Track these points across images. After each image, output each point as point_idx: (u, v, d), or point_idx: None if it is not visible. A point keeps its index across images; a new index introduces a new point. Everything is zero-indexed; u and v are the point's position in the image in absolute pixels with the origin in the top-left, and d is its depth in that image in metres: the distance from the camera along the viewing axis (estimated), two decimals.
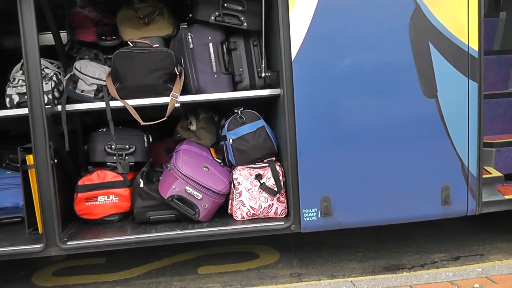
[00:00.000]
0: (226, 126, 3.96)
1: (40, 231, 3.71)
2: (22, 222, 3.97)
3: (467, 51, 3.69)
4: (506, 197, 4.00)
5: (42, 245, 3.64)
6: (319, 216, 3.74)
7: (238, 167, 3.90)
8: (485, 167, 4.04)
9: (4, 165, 4.35)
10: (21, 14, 3.48)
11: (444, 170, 3.82)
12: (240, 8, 3.88)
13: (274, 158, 3.97)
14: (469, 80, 3.72)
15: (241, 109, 3.94)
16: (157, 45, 3.98)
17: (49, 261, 4.46)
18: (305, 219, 3.74)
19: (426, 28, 3.65)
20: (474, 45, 3.68)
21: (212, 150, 4.18)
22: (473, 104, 3.76)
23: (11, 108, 3.83)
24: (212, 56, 3.91)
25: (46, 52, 4.07)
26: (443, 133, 3.75)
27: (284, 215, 3.90)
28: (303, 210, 3.73)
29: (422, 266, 3.98)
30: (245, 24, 3.87)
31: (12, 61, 4.06)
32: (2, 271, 4.27)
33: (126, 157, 4.07)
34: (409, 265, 4.00)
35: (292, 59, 3.59)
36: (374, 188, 3.79)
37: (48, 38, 4.50)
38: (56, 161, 3.70)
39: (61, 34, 4.38)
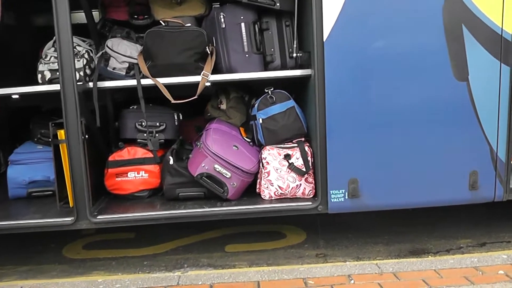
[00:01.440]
0: (256, 105, 3.98)
1: (70, 204, 3.78)
2: (53, 196, 4.06)
3: (500, 34, 3.64)
4: None
5: (72, 218, 3.71)
6: (346, 197, 3.75)
7: (267, 147, 3.92)
8: None
9: (35, 139, 4.43)
10: None
11: (473, 155, 3.79)
12: None
13: (303, 139, 3.97)
14: (502, 64, 3.68)
15: (272, 89, 3.95)
16: (189, 24, 4.00)
17: (79, 235, 4.56)
18: (332, 200, 3.75)
19: (460, 10, 3.60)
20: (508, 28, 3.63)
21: (241, 129, 4.21)
22: (505, 89, 3.72)
23: (42, 84, 3.90)
24: (244, 36, 3.91)
25: (78, 30, 4.10)
26: (473, 118, 3.72)
27: (311, 196, 3.91)
28: (331, 191, 3.74)
29: (447, 251, 3.98)
30: (277, 4, 3.85)
31: (44, 38, 4.12)
32: (34, 242, 4.39)
33: (157, 135, 4.11)
34: (434, 249, 4.01)
35: (324, 40, 3.58)
36: (402, 171, 3.78)
37: (80, 17, 4.55)
38: (87, 136, 3.75)
39: (93, 12, 4.39)
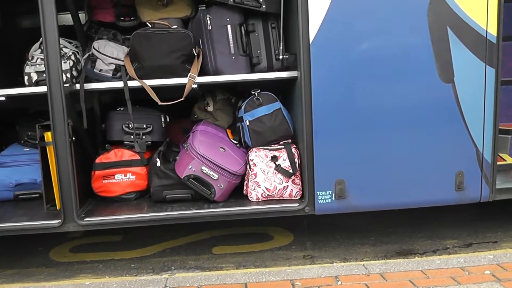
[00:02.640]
0: (243, 107, 3.98)
1: (58, 207, 3.77)
2: (40, 198, 4.06)
3: (485, 36, 3.66)
4: None
5: (60, 220, 3.69)
6: (333, 198, 3.75)
7: (254, 149, 3.93)
8: (500, 154, 4.05)
9: (22, 142, 4.41)
10: None
11: (459, 155, 3.81)
12: None
13: (290, 140, 3.99)
14: (487, 66, 3.70)
15: (258, 91, 3.96)
16: (175, 26, 3.99)
17: (66, 238, 4.55)
18: (319, 202, 3.76)
19: (444, 12, 3.63)
20: (492, 30, 3.66)
21: (228, 131, 4.21)
22: (490, 90, 3.74)
23: (29, 86, 3.87)
24: (230, 37, 3.91)
25: (64, 32, 4.08)
26: (458, 119, 3.74)
27: (298, 197, 3.92)
28: (318, 193, 3.75)
29: (434, 251, 4.00)
30: (263, 6, 3.86)
31: (31, 40, 4.09)
32: (21, 246, 4.39)
33: (143, 136, 4.11)
34: (421, 250, 4.03)
35: (310, 42, 3.59)
36: (389, 172, 3.79)
37: (66, 18, 4.53)
38: (74, 138, 3.74)
39: (79, 14, 4.39)
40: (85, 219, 3.72)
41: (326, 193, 3.76)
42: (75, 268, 4.01)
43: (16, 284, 3.72)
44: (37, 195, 4.20)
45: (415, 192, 3.84)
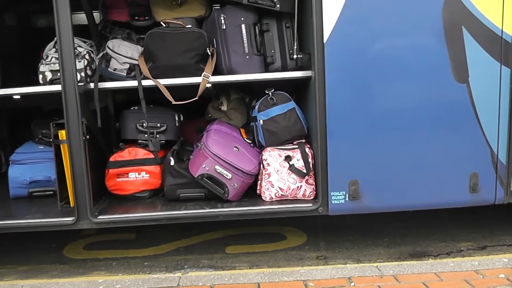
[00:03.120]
0: (256, 107, 3.98)
1: (71, 204, 3.79)
2: (54, 196, 4.08)
3: (500, 36, 3.63)
4: None
5: (73, 218, 3.71)
6: (347, 199, 3.74)
7: (268, 148, 3.93)
8: None
9: (36, 140, 4.44)
10: None
11: (473, 157, 3.78)
12: None
13: (303, 140, 3.98)
14: (502, 65, 3.67)
15: (272, 91, 3.95)
16: (189, 26, 4.01)
17: (80, 235, 4.57)
18: (333, 202, 3.74)
19: (459, 11, 3.60)
20: (508, 30, 3.62)
21: (242, 130, 4.22)
22: (505, 91, 3.71)
23: (44, 84, 3.90)
24: (245, 37, 3.92)
25: (79, 31, 4.13)
26: (473, 120, 3.71)
27: (312, 197, 3.91)
28: (331, 193, 3.74)
29: (448, 254, 3.97)
30: (278, 5, 3.86)
31: (45, 39, 4.13)
32: (35, 242, 4.40)
33: (157, 135, 4.12)
34: (435, 252, 4.00)
35: (324, 42, 3.58)
36: (403, 173, 3.77)
37: (81, 18, 4.56)
38: (88, 137, 3.76)
39: (94, 14, 4.41)
40: (98, 217, 3.74)
41: (339, 193, 3.74)
42: (89, 265, 4.03)
43: (30, 280, 3.73)
44: (51, 192, 4.23)
45: (429, 194, 3.81)
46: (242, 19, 3.92)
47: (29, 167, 4.31)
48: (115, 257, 4.14)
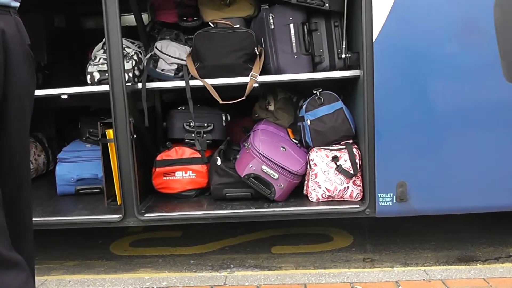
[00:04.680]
0: (304, 107, 3.95)
1: (118, 202, 3.84)
2: (101, 193, 4.16)
3: None
4: None
5: (120, 215, 3.74)
6: (394, 201, 3.67)
7: (315, 148, 3.89)
8: None
9: (84, 138, 4.51)
10: None
11: None
12: None
13: (351, 141, 3.93)
14: None
15: (320, 90, 3.92)
16: (237, 26, 4.03)
17: (126, 232, 4.62)
18: (380, 204, 3.68)
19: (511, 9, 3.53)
20: None
21: (289, 130, 4.20)
22: None
23: (92, 85, 3.96)
24: (293, 36, 3.90)
25: (128, 33, 4.19)
26: None
27: (359, 199, 3.86)
28: (379, 195, 3.67)
29: (496, 259, 3.86)
30: (327, 4, 3.83)
31: (93, 40, 4.21)
32: (82, 238, 4.48)
33: (204, 135, 4.13)
34: (483, 257, 3.90)
35: (373, 40, 3.53)
36: (451, 175, 3.67)
37: (130, 19, 4.63)
38: (135, 136, 3.80)
39: (142, 15, 4.48)
40: (145, 215, 3.77)
41: (387, 195, 3.67)
42: (135, 262, 4.05)
43: (77, 275, 3.79)
44: (98, 190, 4.30)
45: (480, 197, 3.71)
46: (291, 18, 3.90)
47: (76, 165, 4.37)
48: (161, 254, 4.16)
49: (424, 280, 3.38)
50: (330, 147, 3.89)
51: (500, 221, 4.42)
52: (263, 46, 3.98)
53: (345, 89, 4.09)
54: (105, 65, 3.79)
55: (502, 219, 4.29)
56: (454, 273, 3.47)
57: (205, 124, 4.16)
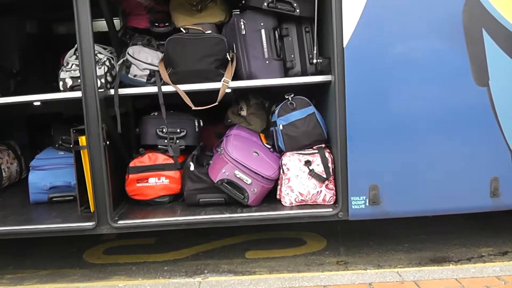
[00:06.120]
0: (276, 112, 3.98)
1: (92, 209, 3.82)
2: (74, 201, 4.11)
3: None
4: None
5: (94, 223, 3.73)
6: (367, 204, 3.71)
7: (288, 153, 3.92)
8: None
9: (57, 145, 4.47)
10: (75, 1, 3.56)
11: (494, 161, 3.74)
12: None
13: (323, 145, 3.97)
14: None
15: (292, 95, 3.94)
16: (209, 31, 4.04)
17: (100, 240, 4.59)
18: (353, 207, 3.72)
19: (480, 14, 3.57)
20: None
21: (262, 135, 4.21)
22: None
23: (64, 91, 3.94)
24: (264, 42, 3.92)
25: (99, 38, 4.18)
26: (493, 123, 3.67)
27: (332, 202, 3.89)
28: (351, 198, 3.72)
29: (468, 259, 3.93)
30: (297, 10, 3.87)
31: (66, 46, 4.17)
32: (55, 247, 4.43)
33: (177, 141, 4.14)
34: (455, 258, 3.96)
35: (344, 46, 3.58)
36: (422, 177, 3.74)
37: (101, 25, 4.60)
38: (108, 142, 3.79)
39: (114, 20, 4.45)
40: (118, 222, 3.76)
41: (359, 198, 3.72)
42: (109, 269, 4.04)
43: (50, 284, 3.77)
44: (71, 197, 4.27)
45: (449, 199, 3.77)
46: (262, 24, 3.93)
47: (49, 173, 4.35)
48: (135, 261, 4.16)
49: (397, 281, 3.43)
50: (302, 152, 3.91)
51: (472, 222, 4.49)
52: (235, 51, 3.99)
53: (317, 94, 4.12)
54: (78, 71, 3.78)
55: (474, 220, 4.36)
56: (427, 274, 3.53)
57: (178, 130, 4.17)
